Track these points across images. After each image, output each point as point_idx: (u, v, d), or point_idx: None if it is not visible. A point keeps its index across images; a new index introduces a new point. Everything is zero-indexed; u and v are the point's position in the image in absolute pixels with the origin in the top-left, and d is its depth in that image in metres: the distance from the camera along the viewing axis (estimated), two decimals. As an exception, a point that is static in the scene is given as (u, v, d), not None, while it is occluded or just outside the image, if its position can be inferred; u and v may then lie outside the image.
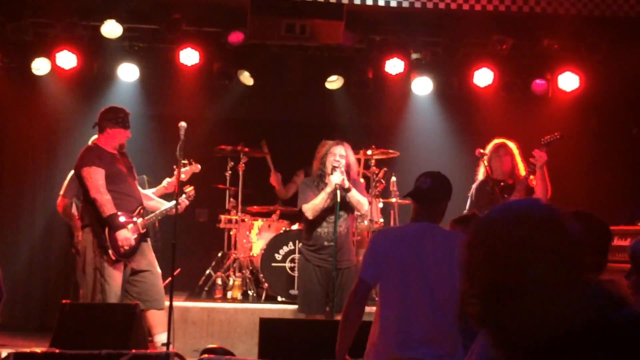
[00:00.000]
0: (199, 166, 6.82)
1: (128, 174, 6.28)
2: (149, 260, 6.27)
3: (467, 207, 6.77)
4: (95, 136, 6.36)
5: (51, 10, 8.09)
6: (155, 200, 6.56)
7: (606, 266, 2.91)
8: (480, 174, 6.64)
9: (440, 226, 3.85)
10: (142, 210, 6.28)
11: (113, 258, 6.00)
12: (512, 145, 6.65)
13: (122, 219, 6.06)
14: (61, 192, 7.44)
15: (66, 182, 7.41)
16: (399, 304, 3.65)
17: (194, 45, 8.20)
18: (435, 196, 3.81)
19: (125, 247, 6.02)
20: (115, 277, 6.04)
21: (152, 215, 6.33)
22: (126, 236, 6.03)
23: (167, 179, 6.65)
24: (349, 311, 3.74)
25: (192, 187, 6.65)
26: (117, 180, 6.14)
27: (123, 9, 8.11)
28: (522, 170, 6.64)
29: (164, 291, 6.30)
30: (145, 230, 6.22)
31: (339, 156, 6.26)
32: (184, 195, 6.49)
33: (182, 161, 6.22)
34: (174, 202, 6.22)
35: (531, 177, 6.55)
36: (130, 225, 6.10)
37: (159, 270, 6.34)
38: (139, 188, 6.49)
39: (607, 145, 8.86)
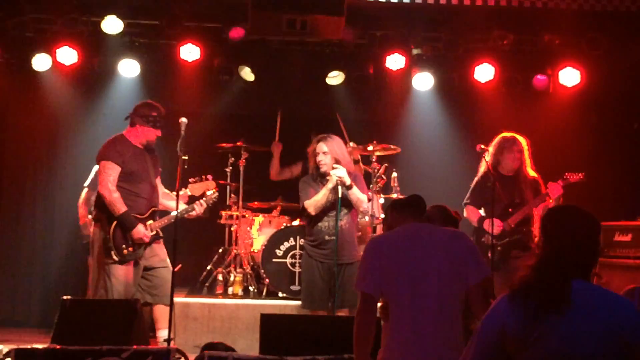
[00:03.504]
0: (214, 183, 6.75)
1: (150, 172, 6.23)
2: (162, 258, 6.22)
3: (466, 197, 6.76)
4: None
5: (52, 6, 8.09)
6: (174, 201, 6.46)
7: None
8: (482, 168, 6.62)
9: (433, 225, 3.82)
10: (154, 213, 6.23)
11: (116, 259, 5.99)
12: (523, 142, 6.63)
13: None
14: (86, 184, 7.48)
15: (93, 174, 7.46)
16: (407, 309, 3.49)
17: (195, 40, 8.19)
18: (421, 201, 3.84)
19: (144, 240, 6.01)
20: (120, 276, 6.01)
21: (164, 218, 6.23)
22: (142, 232, 6.03)
23: (183, 189, 6.57)
24: (359, 328, 3.55)
25: (214, 190, 6.57)
26: (134, 179, 6.11)
27: (123, 4, 8.11)
28: (528, 166, 6.65)
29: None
30: (155, 232, 6.18)
31: (322, 154, 6.25)
32: (203, 199, 6.43)
33: (183, 157, 6.15)
34: (188, 206, 6.27)
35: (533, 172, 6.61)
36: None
37: (171, 268, 6.32)
38: (162, 187, 6.45)
39: (608, 140, 8.86)
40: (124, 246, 6.01)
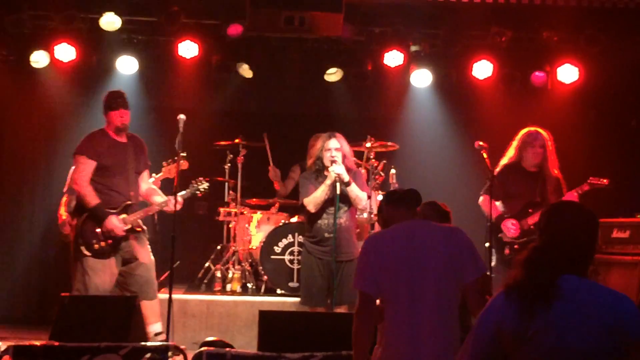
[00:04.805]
0: (187, 163, 6.74)
1: (128, 166, 6.16)
2: (139, 251, 6.13)
3: (485, 187, 6.75)
4: None
5: (49, 2, 8.08)
6: (157, 194, 6.38)
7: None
8: (504, 161, 6.64)
9: (429, 221, 3.83)
10: (128, 207, 6.14)
11: (87, 254, 5.97)
12: (546, 137, 6.65)
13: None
14: (65, 190, 7.48)
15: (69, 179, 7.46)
16: (404, 306, 3.50)
17: (193, 37, 8.19)
18: (417, 196, 3.84)
19: (116, 232, 5.94)
20: (97, 270, 5.94)
21: (139, 212, 6.15)
22: (114, 224, 5.95)
23: (154, 176, 6.55)
24: (358, 325, 3.55)
25: (204, 183, 6.47)
26: (108, 173, 6.07)
27: (121, 1, 8.11)
28: (552, 163, 6.66)
29: (154, 281, 6.22)
30: (130, 226, 6.09)
31: (335, 150, 6.24)
32: (184, 192, 6.31)
33: (182, 154, 6.17)
34: (162, 199, 6.20)
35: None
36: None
37: (152, 259, 6.23)
38: (147, 182, 6.41)
39: (606, 137, 8.86)
40: (94, 241, 5.95)
